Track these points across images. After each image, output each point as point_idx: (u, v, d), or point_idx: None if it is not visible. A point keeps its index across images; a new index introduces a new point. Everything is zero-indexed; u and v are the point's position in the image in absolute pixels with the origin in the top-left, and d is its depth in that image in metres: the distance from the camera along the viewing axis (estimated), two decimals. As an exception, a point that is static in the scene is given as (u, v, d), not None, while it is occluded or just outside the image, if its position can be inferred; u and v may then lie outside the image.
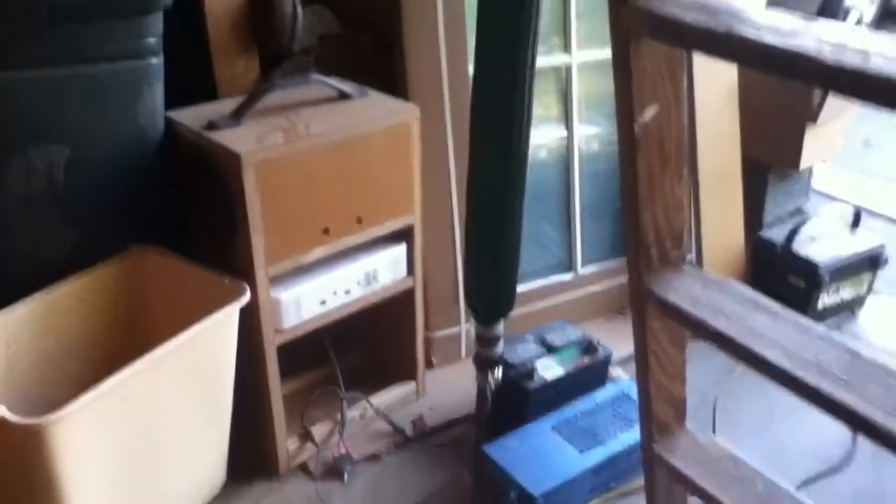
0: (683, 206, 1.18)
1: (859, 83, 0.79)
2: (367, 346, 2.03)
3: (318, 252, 1.65)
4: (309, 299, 1.66)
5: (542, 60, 1.85)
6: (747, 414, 1.95)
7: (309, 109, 1.70)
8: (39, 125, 1.46)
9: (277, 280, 1.61)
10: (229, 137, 1.54)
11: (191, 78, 1.76)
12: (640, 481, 1.56)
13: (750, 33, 0.89)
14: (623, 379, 1.96)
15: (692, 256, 2.26)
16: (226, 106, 1.66)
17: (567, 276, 2.24)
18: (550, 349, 1.84)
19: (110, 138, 1.53)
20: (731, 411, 1.96)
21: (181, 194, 1.69)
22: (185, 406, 1.50)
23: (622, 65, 1.05)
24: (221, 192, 1.53)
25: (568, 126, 2.16)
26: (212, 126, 1.58)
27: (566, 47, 2.10)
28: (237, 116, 1.61)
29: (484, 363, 1.73)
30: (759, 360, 1.05)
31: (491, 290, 1.67)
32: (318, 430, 1.83)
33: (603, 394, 1.83)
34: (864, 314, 2.34)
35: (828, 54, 0.81)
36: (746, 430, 1.90)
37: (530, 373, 1.76)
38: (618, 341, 1.94)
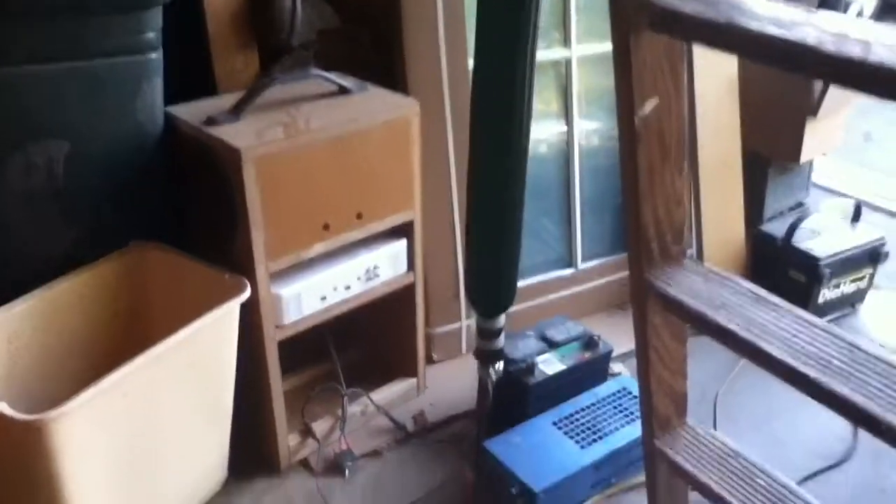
0: (684, 200, 1.18)
1: (861, 74, 0.79)
2: (368, 342, 2.03)
3: (319, 248, 1.64)
4: (309, 295, 1.66)
5: (542, 55, 1.86)
6: (748, 409, 1.95)
7: (309, 104, 1.70)
8: (39, 120, 1.46)
9: (278, 276, 1.61)
10: (229, 133, 1.54)
11: (190, 73, 1.75)
12: (641, 477, 1.57)
13: (751, 24, 0.88)
14: (624, 374, 1.96)
15: (692, 251, 2.26)
16: (225, 101, 1.66)
17: (567, 272, 2.24)
18: (551, 345, 1.84)
19: (110, 133, 1.53)
20: (731, 406, 1.96)
21: (181, 190, 1.69)
22: (186, 402, 1.50)
23: (622, 57, 1.05)
24: (221, 187, 1.53)
25: (568, 121, 2.16)
26: (211, 121, 1.57)
27: (566, 41, 2.10)
28: (237, 111, 1.60)
29: (485, 356, 1.73)
30: (759, 354, 1.05)
31: (492, 284, 1.67)
32: (319, 426, 1.83)
33: (604, 389, 1.83)
34: (865, 309, 2.33)
35: (829, 45, 0.81)
36: (747, 425, 1.90)
37: (531, 368, 1.76)
38: (618, 336, 1.94)
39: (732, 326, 1.08)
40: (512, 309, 1.72)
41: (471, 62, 1.83)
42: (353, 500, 1.72)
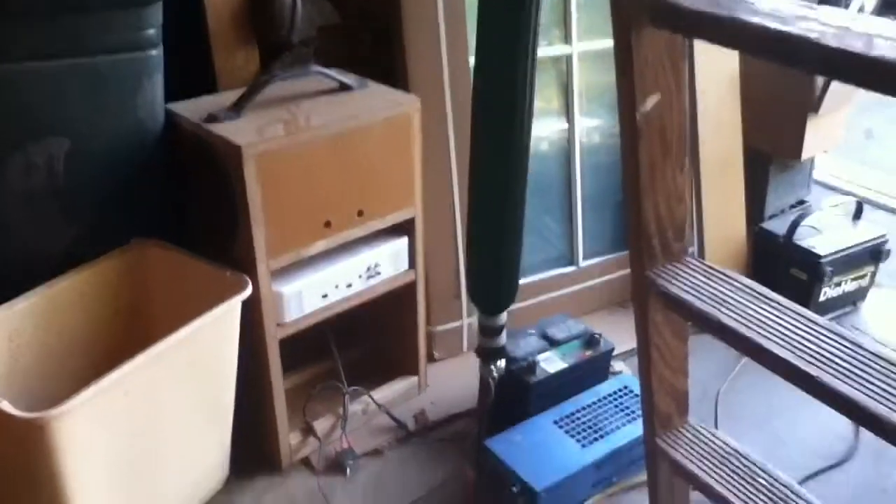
0: (685, 197, 1.18)
1: (862, 69, 0.78)
2: (369, 340, 2.03)
3: (320, 245, 1.64)
4: (310, 293, 1.66)
5: (543, 52, 1.86)
6: (749, 408, 1.95)
7: (309, 101, 1.69)
8: (39, 118, 1.46)
9: (279, 273, 1.60)
10: (229, 130, 1.54)
11: (191, 70, 1.75)
12: (642, 476, 1.56)
13: (752, 19, 0.88)
14: (625, 373, 1.96)
15: (694, 249, 2.26)
16: (226, 98, 1.65)
17: (569, 270, 2.24)
18: (552, 343, 1.84)
19: (110, 131, 1.53)
20: (733, 405, 1.96)
21: (181, 187, 1.69)
22: (187, 400, 1.50)
23: (624, 53, 1.05)
24: (222, 184, 1.53)
25: (569, 118, 2.15)
26: (212, 118, 1.57)
27: (567, 38, 2.09)
28: (237, 108, 1.60)
29: (487, 354, 1.73)
30: (761, 352, 1.04)
31: (493, 282, 1.67)
32: (321, 425, 1.83)
33: (605, 388, 1.83)
34: (867, 307, 2.33)
35: (831, 40, 0.81)
36: (748, 423, 1.90)
37: (532, 367, 1.75)
38: (620, 335, 1.94)
39: (734, 324, 1.08)
40: (513, 307, 1.71)
41: (471, 59, 1.83)
42: (355, 498, 1.72)
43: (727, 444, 1.31)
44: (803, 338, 1.04)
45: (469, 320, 2.08)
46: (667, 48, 1.06)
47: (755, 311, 1.10)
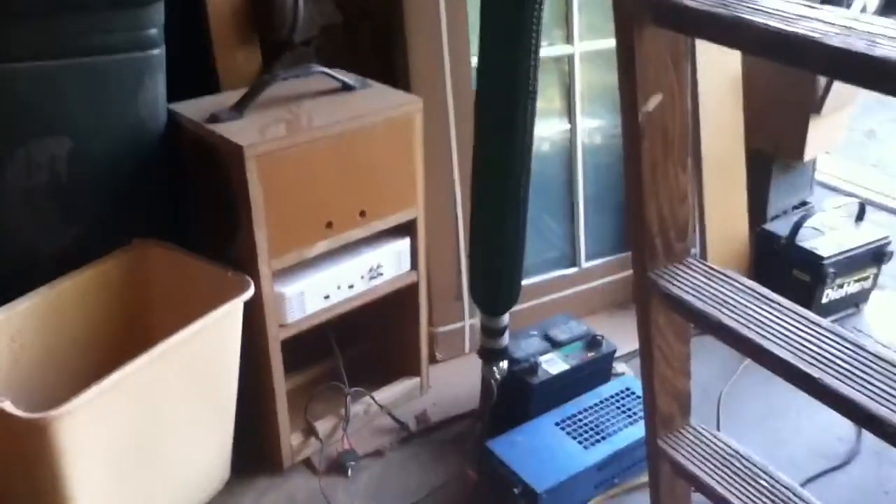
0: (687, 197, 1.18)
1: (865, 69, 0.78)
2: (371, 341, 2.03)
3: (322, 246, 1.64)
4: (312, 294, 1.66)
5: (545, 52, 1.85)
6: (751, 409, 1.94)
7: (311, 101, 1.69)
8: (41, 117, 1.46)
9: (281, 274, 1.60)
10: (231, 130, 1.54)
11: (192, 70, 1.75)
12: (643, 477, 1.56)
13: (755, 18, 0.88)
14: (627, 374, 1.96)
15: (696, 250, 2.26)
16: (227, 98, 1.65)
17: (571, 271, 2.23)
18: (554, 344, 1.83)
19: (112, 130, 1.53)
20: (735, 406, 1.95)
21: (183, 187, 1.69)
22: (189, 401, 1.50)
23: (626, 53, 1.05)
24: (224, 185, 1.53)
25: (571, 118, 2.15)
26: (214, 118, 1.57)
27: (568, 38, 2.09)
28: (239, 108, 1.60)
29: (489, 355, 1.73)
30: (763, 353, 1.04)
31: (496, 283, 1.67)
32: (322, 426, 1.83)
33: (607, 389, 1.83)
34: (869, 309, 2.33)
35: (833, 39, 0.80)
36: (750, 425, 1.89)
37: (534, 368, 1.75)
38: (622, 336, 1.93)
39: (736, 326, 1.08)
40: (515, 308, 1.71)
41: (473, 59, 1.83)
42: (356, 499, 1.71)
43: (729, 446, 1.31)
44: (805, 339, 1.04)
45: (471, 321, 2.08)
46: (669, 48, 1.06)
47: (757, 312, 1.09)
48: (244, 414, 1.66)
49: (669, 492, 1.40)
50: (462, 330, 2.10)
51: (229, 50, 1.80)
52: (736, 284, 1.15)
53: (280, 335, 1.64)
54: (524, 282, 1.73)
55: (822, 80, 2.19)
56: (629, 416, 1.75)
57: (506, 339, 1.73)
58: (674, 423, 1.34)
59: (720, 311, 1.11)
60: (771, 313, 1.09)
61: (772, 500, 1.21)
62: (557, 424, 1.72)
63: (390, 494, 1.73)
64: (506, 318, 1.71)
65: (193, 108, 1.63)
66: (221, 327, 1.51)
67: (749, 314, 1.09)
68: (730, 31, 0.93)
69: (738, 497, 1.22)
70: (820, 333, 1.04)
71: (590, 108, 2.18)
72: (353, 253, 1.72)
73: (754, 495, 1.22)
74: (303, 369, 1.94)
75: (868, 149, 3.34)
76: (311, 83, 1.73)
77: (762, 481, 1.24)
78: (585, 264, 2.24)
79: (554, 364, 1.79)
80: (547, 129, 2.14)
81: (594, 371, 1.84)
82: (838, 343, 1.02)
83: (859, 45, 0.79)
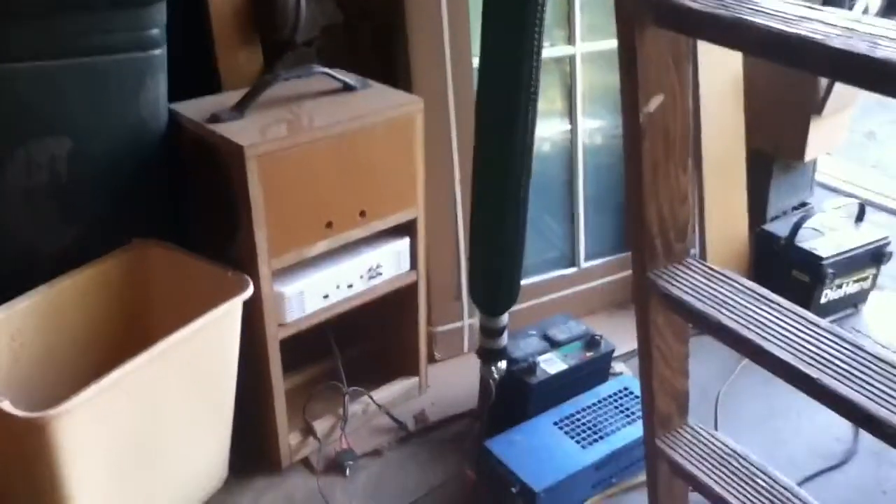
0: (688, 198, 1.18)
1: (867, 70, 0.78)
2: (370, 341, 2.03)
3: (322, 246, 1.64)
4: (312, 293, 1.66)
5: (546, 52, 1.84)
6: (749, 409, 1.95)
7: (312, 101, 1.69)
8: (42, 117, 1.46)
9: (280, 274, 1.60)
10: (232, 130, 1.54)
11: (194, 70, 1.75)
12: (641, 477, 1.56)
13: (757, 20, 0.88)
14: (626, 374, 1.96)
15: (695, 250, 2.26)
16: (229, 98, 1.65)
17: (570, 271, 2.24)
18: (553, 344, 1.84)
19: (113, 130, 1.53)
20: (733, 406, 1.96)
21: (183, 187, 1.69)
22: (188, 400, 1.50)
23: (627, 54, 1.05)
24: (224, 184, 1.53)
25: (572, 119, 2.15)
26: (215, 118, 1.57)
27: (570, 39, 2.09)
28: (240, 108, 1.60)
29: (488, 355, 1.73)
30: (761, 353, 1.04)
31: (495, 283, 1.67)
32: (320, 425, 1.83)
33: (605, 389, 1.83)
34: (868, 309, 2.33)
35: (835, 41, 0.81)
36: (748, 425, 1.90)
37: (532, 368, 1.75)
38: (620, 336, 1.94)
39: (734, 326, 1.08)
40: (514, 307, 1.72)
41: (475, 59, 1.83)
42: (354, 499, 1.71)
43: (727, 446, 1.31)
44: (804, 340, 1.04)
45: (470, 321, 2.08)
46: (671, 48, 1.06)
47: (756, 312, 1.10)
48: (243, 413, 1.66)
49: (667, 491, 1.40)
50: (461, 330, 2.10)
51: (231, 50, 1.80)
52: (735, 285, 1.16)
53: (279, 335, 1.64)
54: (523, 282, 1.74)
55: (824, 82, 2.19)
56: (627, 416, 1.75)
57: (505, 339, 1.73)
58: (672, 422, 1.34)
59: (719, 311, 1.11)
60: (770, 314, 1.09)
61: (769, 500, 1.21)
62: (556, 424, 1.73)
63: (388, 494, 1.73)
64: (505, 317, 1.71)
65: (194, 108, 1.63)
66: (221, 326, 1.51)
67: (748, 315, 1.09)
68: (731, 32, 0.93)
69: (735, 496, 1.22)
70: (819, 334, 1.04)
71: (591, 108, 2.18)
72: (352, 253, 1.72)
73: (752, 495, 1.22)
74: (301, 369, 1.94)
75: (868, 150, 3.34)
76: (313, 83, 1.73)
77: (760, 481, 1.24)
78: (585, 264, 2.25)
79: (552, 364, 1.79)
80: (548, 130, 2.14)
81: (593, 371, 1.85)
82: (837, 344, 1.02)
83: (861, 47, 0.79)
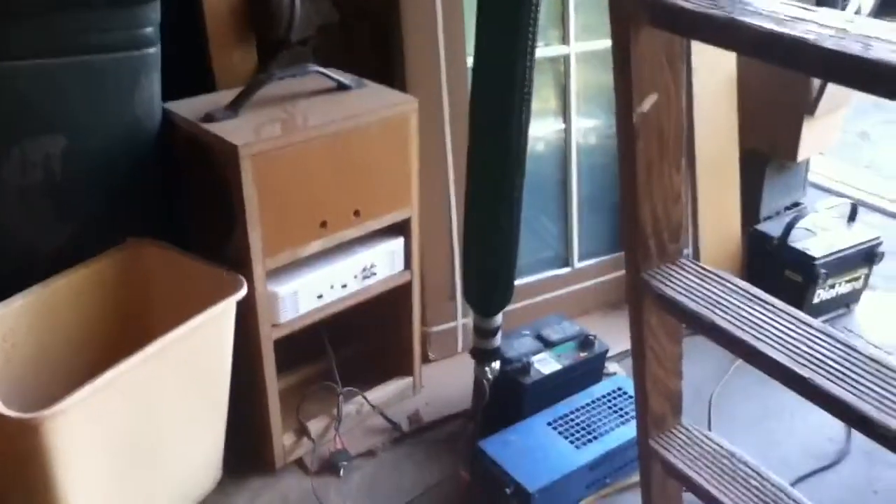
0: (681, 198, 1.18)
1: (859, 71, 0.79)
2: (364, 341, 2.03)
3: (316, 245, 1.64)
4: (306, 293, 1.66)
5: (540, 52, 1.85)
6: (743, 409, 1.95)
7: (306, 101, 1.69)
8: (36, 115, 1.45)
9: (274, 273, 1.60)
10: (226, 129, 1.53)
11: (188, 69, 1.75)
12: (635, 477, 1.57)
13: (751, 20, 0.88)
14: (619, 374, 1.96)
15: (689, 250, 2.26)
16: (223, 97, 1.65)
17: (564, 271, 2.24)
18: (547, 344, 1.84)
19: (107, 129, 1.53)
20: (726, 407, 1.96)
21: (177, 186, 1.68)
22: (182, 400, 1.50)
23: (621, 53, 1.05)
24: (218, 184, 1.53)
25: (566, 118, 2.15)
26: (209, 118, 1.57)
27: (564, 38, 2.09)
28: (234, 108, 1.60)
29: (482, 355, 1.73)
30: (754, 354, 1.05)
31: (489, 283, 1.67)
32: (315, 426, 1.83)
33: (599, 389, 1.83)
34: (860, 309, 2.34)
35: (828, 42, 0.81)
36: (742, 425, 1.90)
37: (526, 368, 1.76)
38: (614, 336, 1.94)
39: (727, 326, 1.08)
40: (508, 307, 1.72)
41: (469, 59, 1.83)
42: (348, 499, 1.71)
43: (720, 446, 1.31)
44: (796, 340, 1.04)
45: (464, 321, 2.08)
46: (665, 48, 1.06)
47: (749, 313, 1.10)
48: (237, 414, 1.65)
49: (661, 491, 1.40)
50: (455, 330, 2.10)
51: (225, 49, 1.79)
52: (728, 285, 1.16)
53: (273, 335, 1.64)
54: (517, 281, 1.74)
55: (817, 82, 2.19)
56: (621, 416, 1.75)
57: (498, 339, 1.73)
58: (665, 423, 1.34)
59: (712, 311, 1.11)
60: (763, 314, 1.09)
61: (762, 500, 1.21)
62: (550, 424, 1.73)
63: (382, 495, 1.73)
64: (499, 318, 1.71)
65: (189, 107, 1.63)
66: (215, 326, 1.50)
67: (741, 315, 1.10)
68: (724, 33, 0.93)
69: (728, 497, 1.22)
70: (811, 334, 1.05)
71: (585, 108, 2.18)
72: (346, 252, 1.72)
73: (745, 495, 1.22)
74: (295, 369, 1.94)
75: (861, 150, 3.35)
76: (307, 83, 1.73)
77: (753, 481, 1.24)
78: (579, 264, 2.25)
79: (546, 364, 1.79)
80: (542, 129, 2.15)
81: (586, 371, 1.85)
82: (829, 344, 1.03)
83: (854, 48, 0.79)
